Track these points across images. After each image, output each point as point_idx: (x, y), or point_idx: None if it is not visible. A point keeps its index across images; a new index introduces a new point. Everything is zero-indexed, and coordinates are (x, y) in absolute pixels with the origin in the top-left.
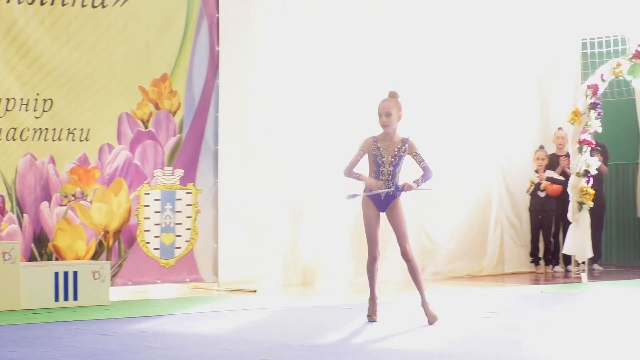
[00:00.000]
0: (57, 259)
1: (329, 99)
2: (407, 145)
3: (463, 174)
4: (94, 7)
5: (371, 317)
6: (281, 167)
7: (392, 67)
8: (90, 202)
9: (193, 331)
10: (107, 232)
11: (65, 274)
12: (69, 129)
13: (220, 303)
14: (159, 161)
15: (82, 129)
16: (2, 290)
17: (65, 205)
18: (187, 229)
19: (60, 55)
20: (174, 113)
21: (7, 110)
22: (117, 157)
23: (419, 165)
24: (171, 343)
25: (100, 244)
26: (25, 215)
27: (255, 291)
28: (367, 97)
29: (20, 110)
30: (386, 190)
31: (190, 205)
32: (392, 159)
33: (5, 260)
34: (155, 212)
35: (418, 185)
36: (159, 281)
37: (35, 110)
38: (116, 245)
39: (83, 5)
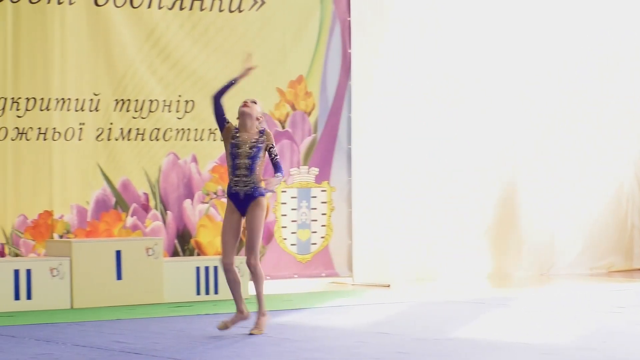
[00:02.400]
0: (198, 255)
1: (463, 102)
2: (264, 137)
3: (594, 170)
4: (231, 11)
5: (223, 323)
6: (413, 165)
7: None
8: None
9: (329, 324)
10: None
11: (207, 268)
12: (210, 129)
13: (355, 297)
14: (295, 160)
15: None
16: (146, 284)
17: (207, 203)
18: (323, 226)
19: (200, 59)
20: (309, 113)
21: (150, 111)
22: None
23: (271, 159)
24: (309, 335)
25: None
26: (168, 212)
27: (389, 286)
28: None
29: (163, 111)
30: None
31: (325, 202)
32: (250, 151)
33: (149, 255)
34: (292, 209)
35: (274, 184)
36: (295, 276)
37: (177, 112)
38: None
39: (220, 10)
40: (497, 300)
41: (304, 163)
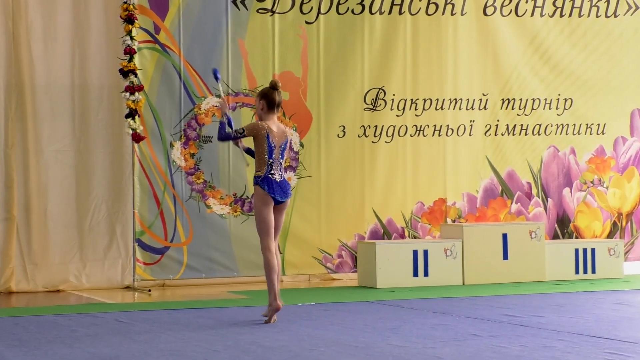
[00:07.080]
0: (577, 237)
1: None
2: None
3: None
4: (607, 17)
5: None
6: None
7: None
8: (607, 187)
9: None
10: (620, 214)
11: (585, 250)
12: (587, 124)
13: None
14: None
15: (598, 124)
16: (529, 264)
17: (585, 191)
18: None
19: (578, 60)
20: None
21: (532, 109)
22: (630, 148)
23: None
24: None
25: (614, 224)
26: (549, 199)
27: None
28: None
29: (544, 109)
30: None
31: None
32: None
33: (532, 238)
34: None
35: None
36: None
37: (557, 109)
38: (628, 225)
39: (597, 16)
40: None
41: None
